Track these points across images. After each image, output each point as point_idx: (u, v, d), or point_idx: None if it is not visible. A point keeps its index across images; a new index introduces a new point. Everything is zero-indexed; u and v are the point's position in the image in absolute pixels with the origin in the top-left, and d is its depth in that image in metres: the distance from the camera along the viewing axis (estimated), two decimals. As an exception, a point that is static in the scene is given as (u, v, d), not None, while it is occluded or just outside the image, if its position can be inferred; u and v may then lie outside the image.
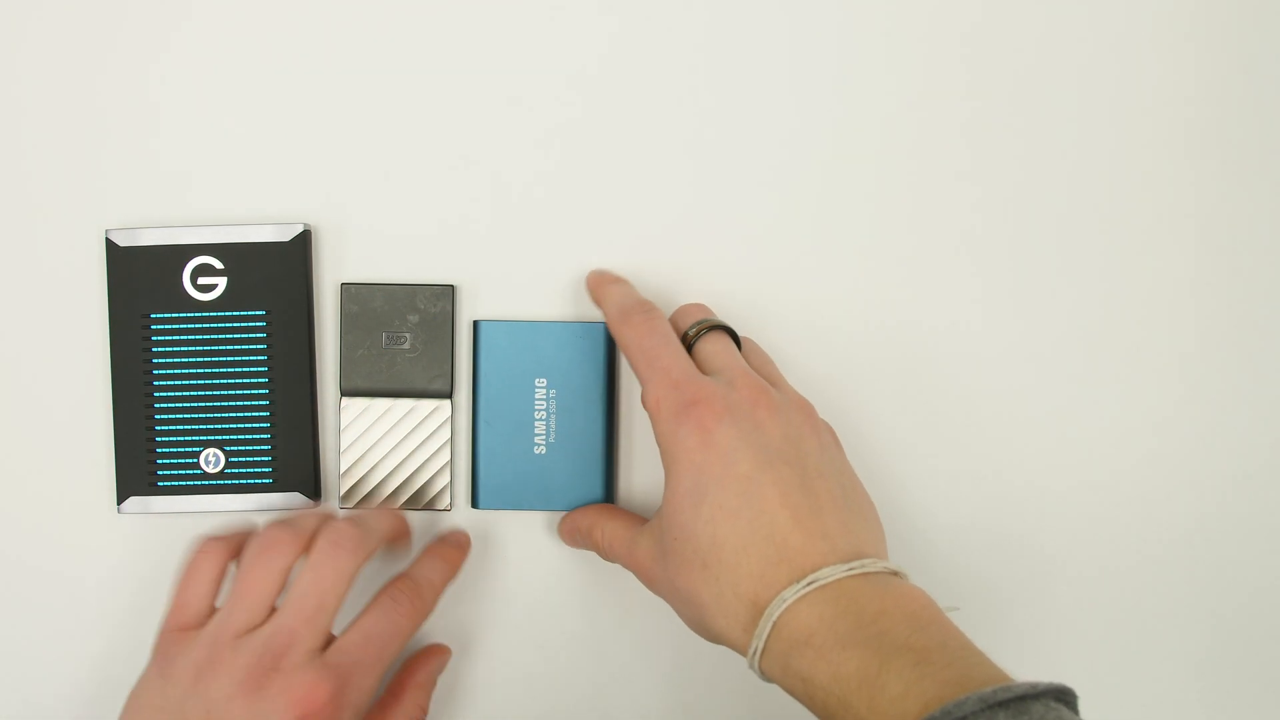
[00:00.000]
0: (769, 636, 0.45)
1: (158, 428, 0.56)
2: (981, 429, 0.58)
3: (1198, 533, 0.59)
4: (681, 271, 0.58)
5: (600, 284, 0.55)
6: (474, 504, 0.57)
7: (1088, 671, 0.59)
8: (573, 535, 0.56)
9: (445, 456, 0.57)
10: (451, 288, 0.57)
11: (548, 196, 0.58)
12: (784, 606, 0.44)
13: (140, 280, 0.56)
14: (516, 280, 0.58)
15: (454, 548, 0.55)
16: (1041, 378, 0.58)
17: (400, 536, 0.54)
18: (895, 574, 0.46)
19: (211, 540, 0.52)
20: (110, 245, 0.56)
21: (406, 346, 0.57)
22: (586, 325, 0.57)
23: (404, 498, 0.57)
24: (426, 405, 0.57)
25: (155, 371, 0.56)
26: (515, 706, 0.58)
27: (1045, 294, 0.58)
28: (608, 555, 0.54)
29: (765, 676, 0.46)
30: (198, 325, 0.56)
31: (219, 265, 0.56)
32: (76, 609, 0.58)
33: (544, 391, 0.57)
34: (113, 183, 0.57)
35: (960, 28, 0.58)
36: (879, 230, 0.58)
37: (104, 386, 0.57)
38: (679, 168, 0.58)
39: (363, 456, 0.57)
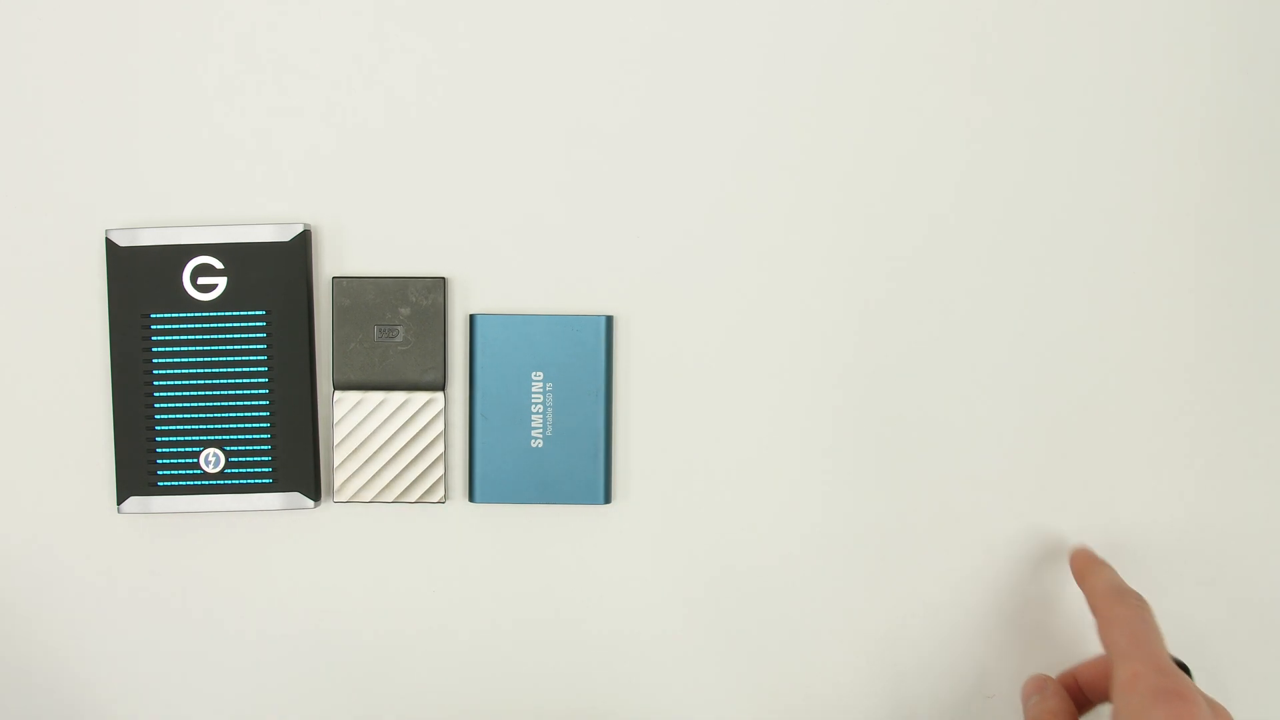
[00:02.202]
0: None
1: (158, 428, 0.56)
2: (986, 434, 0.58)
3: (1201, 537, 0.58)
4: (677, 266, 0.58)
5: (1088, 563, 0.56)
6: (471, 498, 0.57)
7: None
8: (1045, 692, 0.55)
9: (439, 449, 0.57)
10: (442, 280, 0.57)
11: (545, 192, 0.58)
12: None
13: (140, 280, 0.56)
14: (513, 274, 0.58)
15: None
16: (1049, 383, 0.58)
17: None
18: None
19: None
20: (110, 245, 0.56)
21: (399, 339, 0.57)
22: (583, 318, 0.57)
23: (398, 491, 0.57)
24: (420, 398, 0.57)
25: (155, 371, 0.56)
26: (514, 703, 0.58)
27: (1057, 298, 0.58)
28: None
29: None
30: (198, 325, 0.57)
31: (219, 265, 0.56)
32: (76, 609, 0.58)
33: (540, 385, 0.57)
34: (113, 183, 0.58)
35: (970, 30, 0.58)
36: (885, 233, 0.58)
37: (104, 386, 0.57)
38: (678, 164, 0.58)
39: (356, 450, 0.57)
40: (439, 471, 0.57)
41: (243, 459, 0.57)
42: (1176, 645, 0.57)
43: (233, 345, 0.57)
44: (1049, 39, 0.58)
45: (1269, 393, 0.58)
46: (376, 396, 0.57)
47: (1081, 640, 0.58)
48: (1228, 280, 0.58)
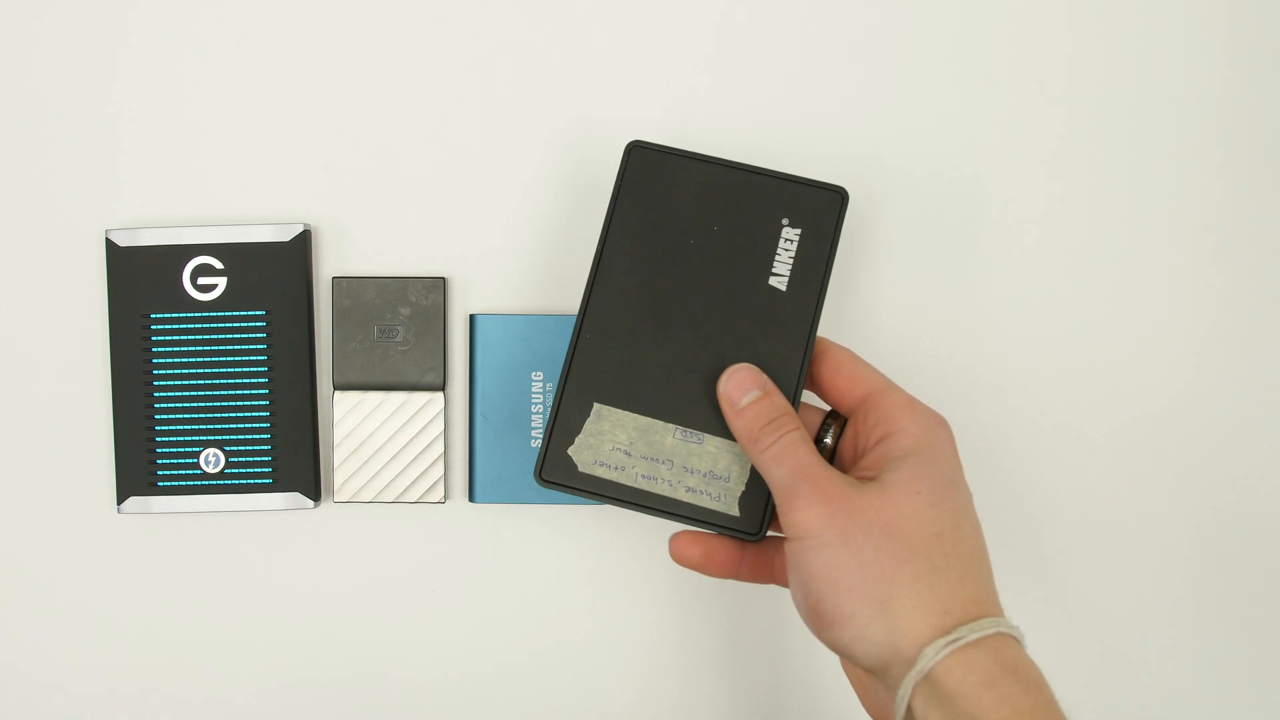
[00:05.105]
0: (957, 645, 0.42)
1: (158, 428, 0.56)
2: (985, 430, 0.58)
3: (1202, 532, 0.58)
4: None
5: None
6: (471, 498, 0.57)
7: (1099, 671, 0.58)
8: (743, 388, 0.47)
9: (439, 449, 0.57)
10: (442, 280, 0.57)
11: (544, 193, 0.58)
12: (992, 630, 0.42)
13: (140, 280, 0.56)
14: (513, 274, 0.58)
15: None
16: (1050, 380, 0.58)
17: None
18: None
19: None
20: (110, 245, 0.56)
21: (399, 339, 0.57)
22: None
23: (398, 491, 0.57)
24: (419, 398, 0.57)
25: (155, 371, 0.56)
26: (512, 703, 0.58)
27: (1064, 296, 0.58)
28: (773, 446, 0.46)
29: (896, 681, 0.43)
30: (198, 325, 0.57)
31: (219, 265, 0.56)
32: (76, 609, 0.58)
33: (540, 385, 0.57)
34: (113, 183, 0.58)
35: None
36: (887, 231, 0.58)
37: (104, 386, 0.57)
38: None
39: (356, 450, 0.57)
40: (439, 472, 0.57)
41: (243, 459, 0.57)
42: (1178, 639, 0.58)
43: (233, 345, 0.57)
44: (1069, 41, 0.58)
45: (1270, 392, 0.58)
46: (376, 397, 0.57)
47: (1055, 634, 0.58)
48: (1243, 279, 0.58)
